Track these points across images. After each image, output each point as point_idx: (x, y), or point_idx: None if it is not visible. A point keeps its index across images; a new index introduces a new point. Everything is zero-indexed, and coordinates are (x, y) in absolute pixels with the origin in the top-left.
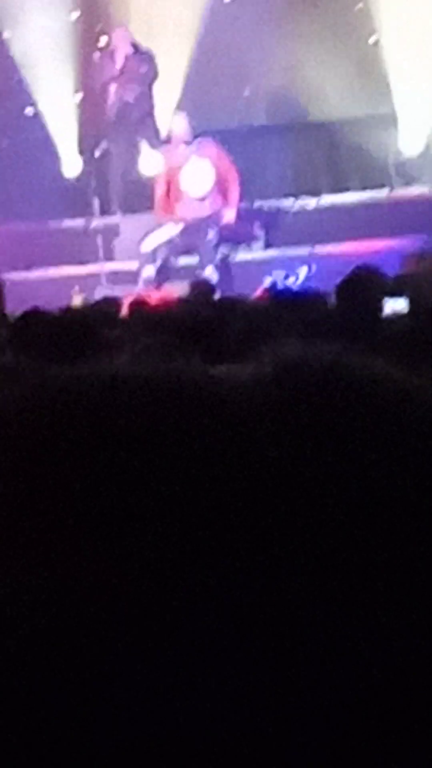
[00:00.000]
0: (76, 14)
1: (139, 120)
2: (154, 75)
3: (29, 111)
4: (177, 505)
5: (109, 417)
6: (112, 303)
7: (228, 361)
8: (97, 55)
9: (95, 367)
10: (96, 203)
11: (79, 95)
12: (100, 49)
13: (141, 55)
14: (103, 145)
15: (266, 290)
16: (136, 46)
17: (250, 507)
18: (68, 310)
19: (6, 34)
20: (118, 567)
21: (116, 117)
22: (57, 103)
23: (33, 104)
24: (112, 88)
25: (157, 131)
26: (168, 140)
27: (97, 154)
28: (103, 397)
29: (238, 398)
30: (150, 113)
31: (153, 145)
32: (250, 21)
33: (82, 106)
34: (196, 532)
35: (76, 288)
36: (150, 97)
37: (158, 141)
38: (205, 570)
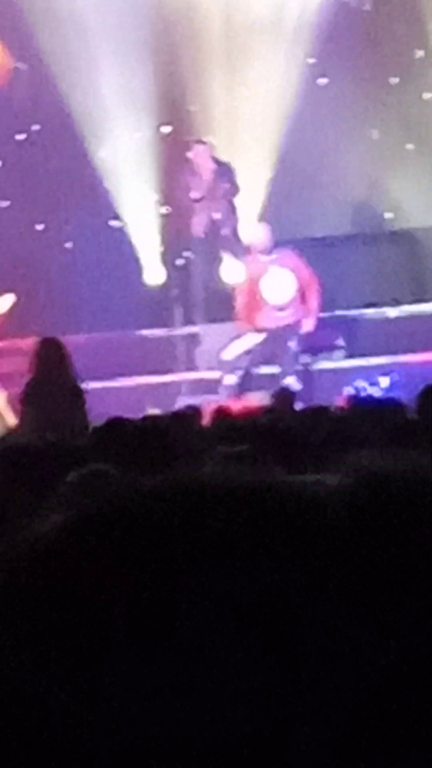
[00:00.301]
0: (165, 129)
1: (223, 233)
2: (236, 189)
3: (114, 223)
4: (259, 612)
5: (194, 526)
6: (194, 412)
7: (310, 471)
8: (181, 169)
9: (180, 476)
10: (178, 312)
11: (163, 207)
12: (184, 164)
13: (223, 169)
14: (186, 254)
15: (348, 399)
16: (217, 161)
17: (333, 616)
18: (150, 419)
19: (92, 147)
20: (199, 677)
21: (203, 232)
22: (141, 214)
23: (117, 216)
24: (198, 204)
25: (239, 242)
26: (249, 250)
27: (179, 263)
28: (189, 506)
29: (321, 509)
30: (234, 226)
31: (235, 256)
32: (330, 132)
33: (167, 218)
34: (277, 638)
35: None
36: (234, 210)
37: (240, 251)
38: (281, 674)
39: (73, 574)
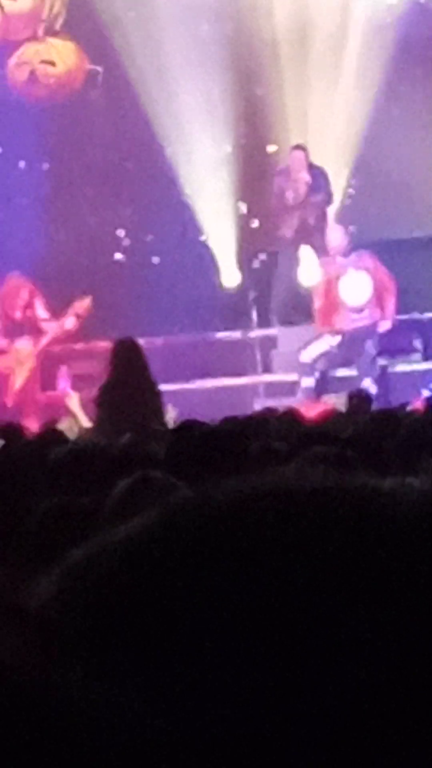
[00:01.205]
0: (239, 139)
1: (310, 236)
2: (330, 196)
3: (196, 235)
4: (344, 617)
5: (278, 530)
6: (271, 414)
7: (391, 474)
8: (273, 174)
9: (260, 479)
10: (254, 315)
11: (241, 207)
12: (277, 171)
13: (317, 174)
14: (262, 257)
15: (425, 402)
16: (313, 167)
17: (421, 620)
18: (227, 422)
19: (168, 152)
20: (284, 683)
21: (289, 235)
22: (216, 215)
23: (193, 216)
24: (290, 208)
25: (323, 245)
26: (326, 252)
27: (255, 266)
28: (272, 509)
29: (407, 512)
30: (323, 230)
31: (314, 258)
32: (407, 135)
33: (244, 220)
34: (359, 641)
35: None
36: (325, 216)
37: (319, 253)
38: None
39: (150, 580)
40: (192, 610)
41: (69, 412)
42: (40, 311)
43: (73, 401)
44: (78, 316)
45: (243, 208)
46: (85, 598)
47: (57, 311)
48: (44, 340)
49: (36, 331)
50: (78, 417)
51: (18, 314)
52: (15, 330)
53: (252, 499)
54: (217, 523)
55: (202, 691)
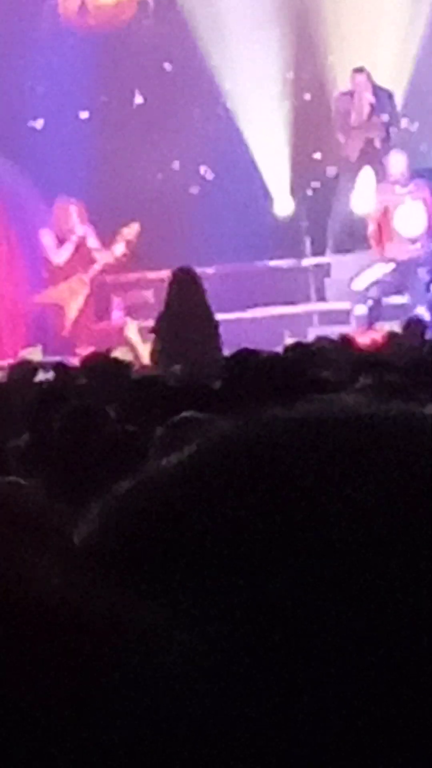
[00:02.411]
0: (295, 68)
1: (373, 159)
2: (396, 117)
3: (242, 153)
4: (404, 548)
5: (342, 457)
6: (326, 343)
7: None
8: (337, 97)
9: (302, 408)
10: (308, 243)
11: (288, 136)
12: (340, 93)
13: (383, 95)
14: (315, 185)
15: None
16: (377, 88)
17: None
18: (282, 351)
19: (220, 82)
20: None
21: (355, 158)
22: (268, 144)
23: (245, 146)
24: (356, 130)
25: (382, 170)
26: (386, 178)
27: (309, 193)
28: (334, 437)
29: None
30: (386, 153)
31: (373, 183)
32: None
33: (296, 147)
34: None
35: (287, 332)
36: (389, 139)
37: (379, 178)
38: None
39: (194, 512)
40: (224, 542)
41: (125, 341)
42: (92, 241)
43: (132, 329)
44: (128, 243)
45: (296, 136)
46: (126, 530)
47: (107, 241)
48: (96, 267)
49: (88, 260)
50: (136, 346)
51: (73, 237)
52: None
53: (288, 429)
54: (251, 454)
55: (241, 619)
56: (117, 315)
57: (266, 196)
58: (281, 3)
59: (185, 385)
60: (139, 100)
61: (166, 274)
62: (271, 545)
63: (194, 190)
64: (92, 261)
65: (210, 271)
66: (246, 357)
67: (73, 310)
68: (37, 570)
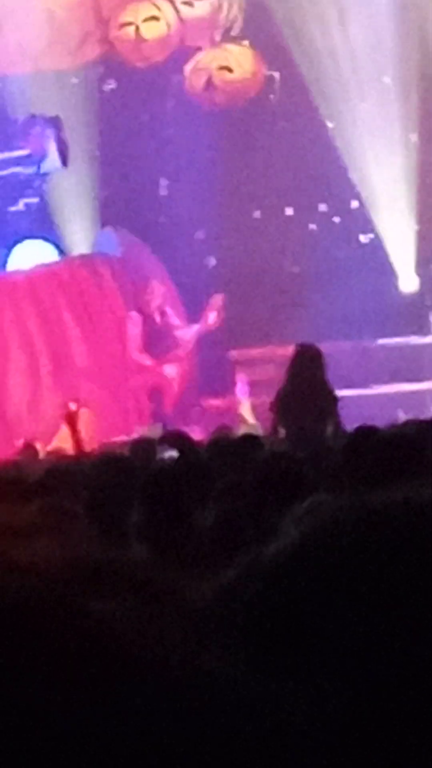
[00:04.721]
0: (414, 136)
1: None
2: None
3: (365, 239)
4: None
5: (423, 541)
6: None
7: None
8: None
9: (416, 488)
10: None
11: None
12: None
13: None
14: None
15: None
16: None
17: None
18: (401, 428)
19: (346, 158)
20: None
21: None
22: (393, 219)
23: (372, 227)
24: None
25: None
26: None
27: None
28: (420, 521)
29: None
30: None
31: None
32: None
33: (421, 225)
34: None
35: (400, 411)
36: None
37: None
38: None
39: (304, 592)
40: (336, 622)
41: (241, 419)
42: (173, 319)
43: (245, 408)
44: (218, 311)
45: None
46: (245, 602)
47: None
48: (187, 346)
49: (173, 341)
50: (250, 423)
51: (157, 319)
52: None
53: (400, 514)
54: (363, 539)
55: (360, 695)
56: (240, 391)
57: (391, 271)
58: (405, 68)
59: (305, 461)
60: (262, 175)
61: (289, 349)
62: (382, 627)
63: (319, 265)
64: (176, 341)
65: (331, 346)
66: (367, 433)
67: (174, 388)
68: (160, 632)
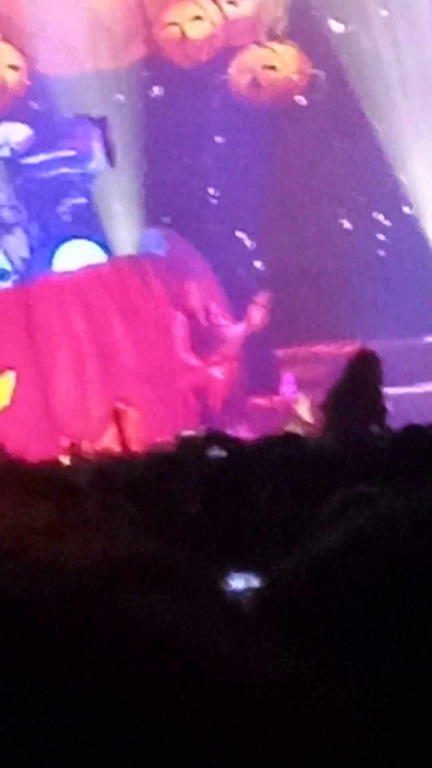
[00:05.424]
0: None
1: None
2: None
3: (411, 238)
4: None
5: None
6: None
7: None
8: None
9: None
10: None
11: None
12: None
13: None
14: None
15: None
16: None
17: None
18: None
19: (395, 155)
20: None
21: None
22: None
23: (415, 217)
24: None
25: None
26: None
27: None
28: None
29: None
30: None
31: None
32: None
33: None
34: None
35: None
36: None
37: None
38: None
39: (346, 594)
40: (385, 619)
41: (294, 418)
42: (219, 318)
43: (303, 407)
44: (264, 310)
45: None
46: (292, 598)
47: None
48: (233, 346)
49: (219, 340)
50: (306, 423)
51: (202, 318)
52: (201, 335)
53: None
54: (413, 533)
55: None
56: (288, 390)
57: None
58: None
59: (354, 457)
60: (306, 174)
61: (337, 348)
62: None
63: (366, 264)
64: (222, 341)
65: (377, 345)
66: (414, 432)
67: (220, 388)
68: (206, 629)
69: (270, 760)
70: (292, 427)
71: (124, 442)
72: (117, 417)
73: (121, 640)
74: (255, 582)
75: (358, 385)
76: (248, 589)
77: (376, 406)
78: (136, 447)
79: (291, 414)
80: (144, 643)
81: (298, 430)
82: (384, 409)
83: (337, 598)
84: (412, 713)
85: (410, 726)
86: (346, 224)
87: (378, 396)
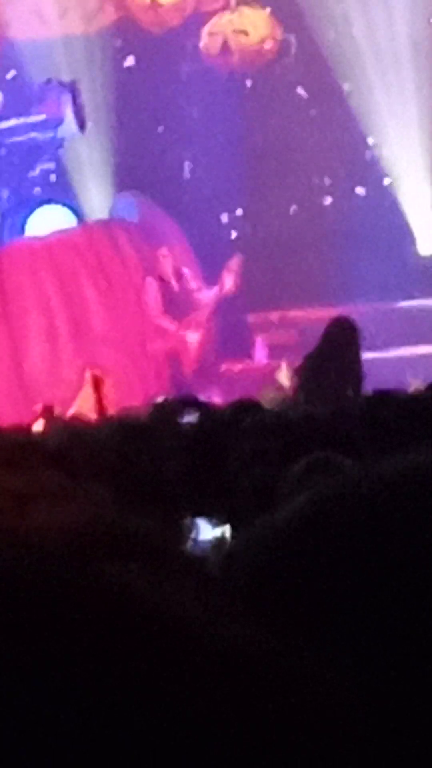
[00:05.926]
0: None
1: None
2: None
3: (383, 202)
4: None
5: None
6: None
7: None
8: None
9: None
10: None
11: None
12: None
13: None
14: None
15: None
16: None
17: None
18: (420, 392)
19: (368, 123)
20: None
21: None
22: (411, 183)
23: (388, 185)
24: None
25: None
26: None
27: None
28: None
29: None
30: None
31: None
32: None
33: None
34: None
35: (409, 373)
36: None
37: None
38: None
39: (309, 561)
40: (342, 584)
41: (268, 383)
42: (191, 283)
43: (283, 374)
44: (235, 274)
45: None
46: (255, 566)
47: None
48: (206, 310)
49: (191, 306)
50: (281, 388)
51: (175, 286)
52: (173, 299)
53: (410, 478)
54: (371, 502)
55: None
56: (260, 356)
57: (409, 235)
58: (422, 37)
59: (322, 423)
60: (278, 139)
61: (309, 313)
62: (387, 588)
63: (337, 229)
64: (194, 304)
65: (350, 309)
66: (385, 397)
67: (192, 352)
68: (179, 597)
69: (243, 727)
70: (266, 392)
71: (101, 410)
72: (96, 383)
73: (91, 610)
74: (218, 531)
75: (335, 351)
76: (215, 539)
77: (352, 372)
78: (108, 412)
79: (265, 379)
80: (113, 612)
81: (273, 395)
82: (361, 375)
83: (295, 567)
84: (377, 681)
85: (378, 694)
86: (320, 191)
87: (356, 362)
